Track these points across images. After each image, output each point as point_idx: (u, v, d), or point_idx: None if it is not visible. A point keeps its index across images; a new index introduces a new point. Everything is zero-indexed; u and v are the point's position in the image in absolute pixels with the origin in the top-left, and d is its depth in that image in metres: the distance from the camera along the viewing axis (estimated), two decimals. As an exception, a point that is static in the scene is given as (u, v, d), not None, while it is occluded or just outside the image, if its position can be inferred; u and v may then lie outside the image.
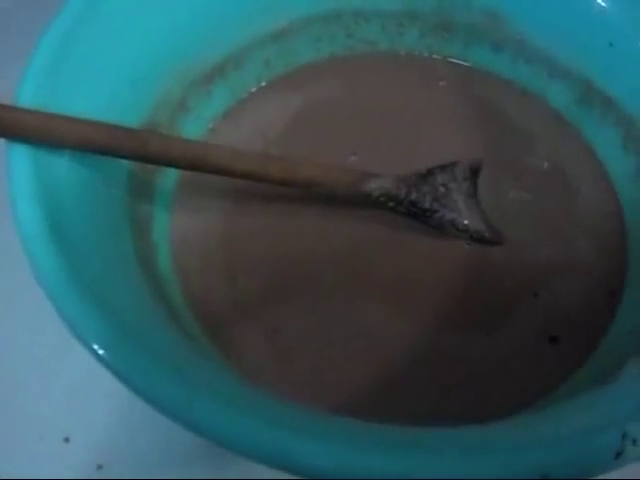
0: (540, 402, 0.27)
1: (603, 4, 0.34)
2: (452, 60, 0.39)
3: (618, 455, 0.19)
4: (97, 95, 0.30)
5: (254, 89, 0.38)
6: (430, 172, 0.32)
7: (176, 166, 0.29)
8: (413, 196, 0.31)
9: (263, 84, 0.38)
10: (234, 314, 0.30)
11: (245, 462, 0.29)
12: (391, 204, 0.31)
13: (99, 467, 0.31)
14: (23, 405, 0.33)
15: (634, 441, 0.19)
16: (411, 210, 0.31)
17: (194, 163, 0.28)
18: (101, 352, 0.21)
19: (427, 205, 0.31)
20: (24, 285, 0.26)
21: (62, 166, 0.27)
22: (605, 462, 0.19)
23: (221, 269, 0.32)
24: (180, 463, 0.31)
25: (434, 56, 0.39)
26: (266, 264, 0.32)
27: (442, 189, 0.31)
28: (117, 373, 0.21)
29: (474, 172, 0.32)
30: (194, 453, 0.31)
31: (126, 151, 0.27)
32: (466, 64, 0.39)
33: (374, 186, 0.31)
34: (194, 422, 0.20)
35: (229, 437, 0.20)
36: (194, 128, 0.35)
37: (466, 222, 0.31)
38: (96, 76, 0.30)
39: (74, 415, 0.32)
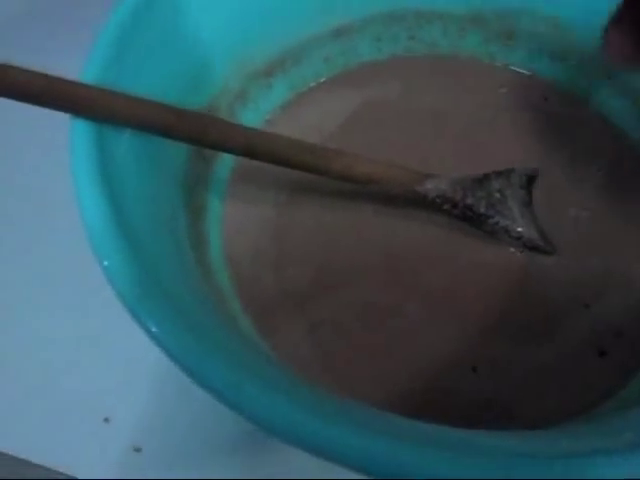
0: (581, 418, 0.27)
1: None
2: (513, 68, 0.39)
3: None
4: (159, 77, 0.30)
5: (313, 84, 0.38)
6: (486, 177, 0.32)
7: (235, 153, 0.29)
8: (469, 200, 0.31)
9: (322, 80, 0.38)
10: (281, 305, 0.31)
11: (285, 452, 0.30)
12: (446, 206, 0.31)
13: (137, 450, 0.31)
14: (66, 384, 0.33)
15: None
16: (466, 214, 0.31)
17: (253, 151, 0.28)
18: (154, 330, 0.21)
19: (482, 210, 0.31)
20: (79, 262, 0.26)
21: (123, 145, 0.27)
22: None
23: (271, 260, 0.32)
24: (219, 451, 0.31)
25: (495, 62, 0.39)
26: (316, 258, 0.32)
27: (498, 195, 0.31)
28: (170, 353, 0.21)
29: (530, 180, 0.32)
30: (233, 441, 0.31)
31: (186, 134, 0.27)
32: (527, 72, 0.38)
33: (430, 187, 0.31)
34: (242, 405, 0.20)
35: (274, 422, 0.19)
36: (251, 119, 0.36)
37: (520, 230, 0.31)
38: (160, 58, 0.30)
39: (116, 396, 0.33)
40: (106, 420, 0.32)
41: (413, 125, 0.36)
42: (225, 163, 0.33)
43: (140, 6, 0.29)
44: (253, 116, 0.36)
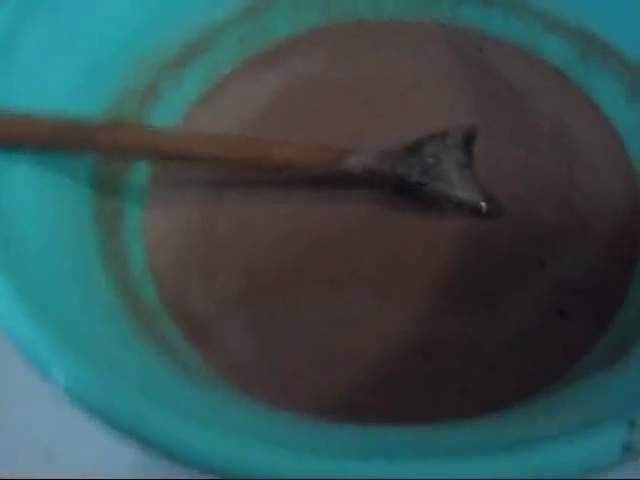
0: (550, 387, 0.25)
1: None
2: (440, 21, 0.36)
3: (626, 449, 0.16)
4: (54, 87, 0.28)
5: (229, 70, 0.35)
6: (418, 143, 0.30)
7: (146, 158, 0.27)
8: (399, 170, 0.29)
9: (239, 65, 0.36)
10: (213, 312, 0.28)
11: None
12: (377, 180, 0.29)
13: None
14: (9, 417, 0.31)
15: (645, 431, 0.17)
16: (400, 186, 0.29)
17: (159, 153, 0.27)
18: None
19: (414, 179, 0.28)
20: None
21: (20, 166, 0.25)
22: (611, 457, 0.16)
23: (199, 266, 0.29)
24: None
25: (420, 19, 0.36)
26: (247, 258, 0.29)
27: (431, 160, 0.29)
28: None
29: (468, 139, 0.30)
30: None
31: (70, 143, 0.26)
32: (456, 24, 0.36)
33: (353, 163, 0.28)
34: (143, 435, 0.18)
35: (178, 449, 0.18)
36: (167, 114, 0.33)
37: (460, 194, 0.29)
38: (51, 67, 0.28)
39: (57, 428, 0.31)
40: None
41: (341, 99, 0.34)
42: (140, 168, 0.31)
43: (19, 11, 0.27)
44: (169, 112, 0.33)
